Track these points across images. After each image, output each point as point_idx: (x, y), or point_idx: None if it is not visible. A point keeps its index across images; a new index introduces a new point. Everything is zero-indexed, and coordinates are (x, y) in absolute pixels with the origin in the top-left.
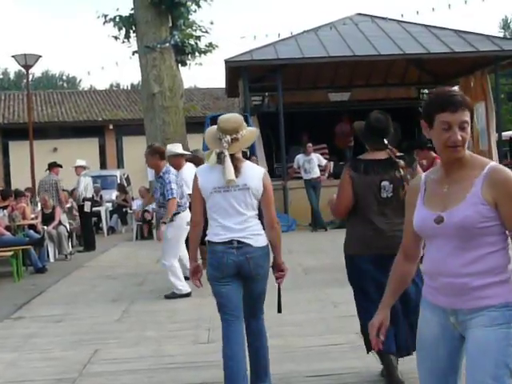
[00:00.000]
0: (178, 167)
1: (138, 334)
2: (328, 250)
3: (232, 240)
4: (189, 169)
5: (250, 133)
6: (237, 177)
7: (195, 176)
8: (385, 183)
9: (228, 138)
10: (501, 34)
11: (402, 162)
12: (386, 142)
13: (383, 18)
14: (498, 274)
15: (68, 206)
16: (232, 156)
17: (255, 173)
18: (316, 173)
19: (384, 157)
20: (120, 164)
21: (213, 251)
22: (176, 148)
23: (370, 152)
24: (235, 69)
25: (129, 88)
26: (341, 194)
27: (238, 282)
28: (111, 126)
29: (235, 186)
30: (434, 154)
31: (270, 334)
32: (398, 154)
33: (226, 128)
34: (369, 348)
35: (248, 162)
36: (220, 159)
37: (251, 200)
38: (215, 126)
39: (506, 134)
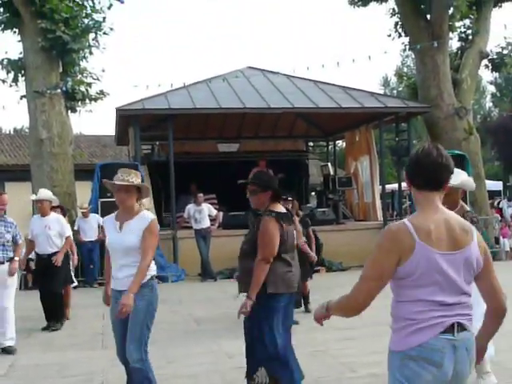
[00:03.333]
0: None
1: None
2: (218, 299)
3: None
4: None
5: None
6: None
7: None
8: (294, 232)
9: None
10: (381, 91)
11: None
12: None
13: (274, 73)
14: None
15: None
16: None
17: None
18: (206, 223)
19: (284, 210)
20: None
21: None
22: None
23: (274, 204)
24: (126, 117)
25: (11, 133)
26: (274, 238)
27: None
28: None
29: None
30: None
31: None
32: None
33: None
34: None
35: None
36: None
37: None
38: None
39: (389, 187)
